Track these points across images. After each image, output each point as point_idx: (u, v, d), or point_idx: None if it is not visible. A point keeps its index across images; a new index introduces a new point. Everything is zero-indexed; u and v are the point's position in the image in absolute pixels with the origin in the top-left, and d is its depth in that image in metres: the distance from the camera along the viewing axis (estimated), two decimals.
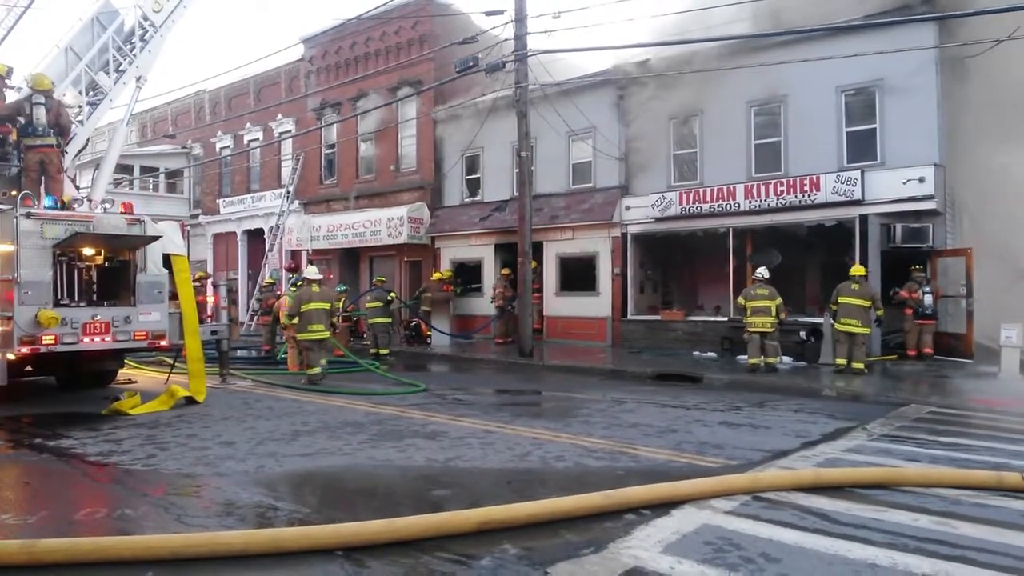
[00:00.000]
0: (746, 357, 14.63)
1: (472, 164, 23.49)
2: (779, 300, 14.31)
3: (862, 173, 15.83)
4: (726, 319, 17.96)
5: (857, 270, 14.06)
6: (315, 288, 13.62)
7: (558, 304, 21.06)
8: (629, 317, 19.66)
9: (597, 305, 20.17)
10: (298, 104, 27.78)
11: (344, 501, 6.02)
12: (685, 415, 9.79)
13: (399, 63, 24.32)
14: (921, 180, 15.18)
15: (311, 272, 14.33)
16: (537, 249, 19.84)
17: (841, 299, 13.86)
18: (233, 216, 31.59)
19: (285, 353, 15.99)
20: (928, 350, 15.42)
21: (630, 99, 19.57)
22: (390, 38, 24.94)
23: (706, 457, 7.15)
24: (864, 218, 15.82)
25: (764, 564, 4.21)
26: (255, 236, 30.74)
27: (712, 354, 17.12)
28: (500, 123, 20.94)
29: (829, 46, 15.73)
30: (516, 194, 18.59)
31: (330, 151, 27.73)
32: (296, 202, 28.13)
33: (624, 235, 19.72)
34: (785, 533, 4.76)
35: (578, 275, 20.74)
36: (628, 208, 19.59)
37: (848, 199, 15.90)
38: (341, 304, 19.03)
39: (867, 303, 13.71)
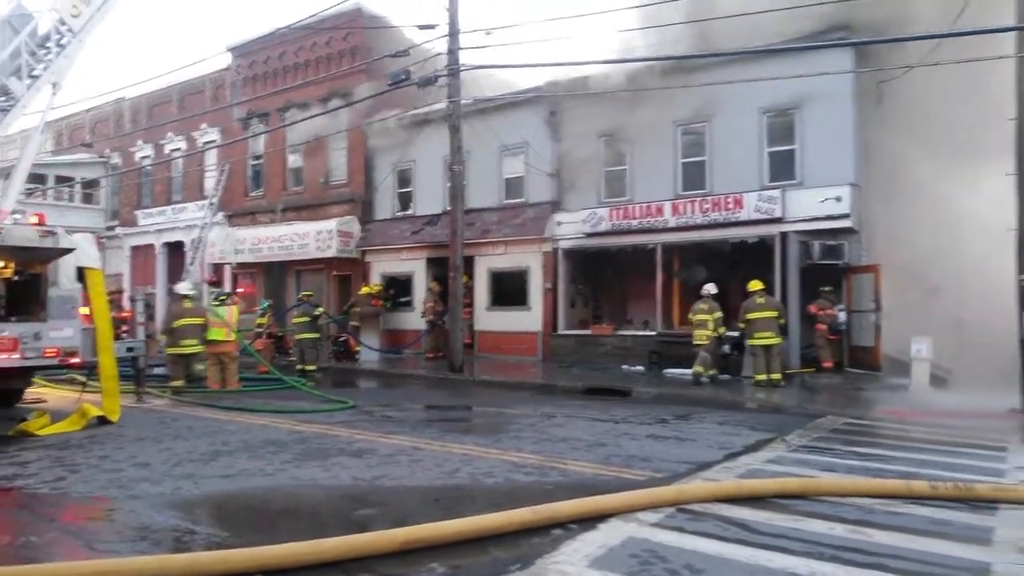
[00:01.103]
0: (674, 370, 14.99)
1: (404, 177, 23.36)
2: (717, 315, 14.77)
3: (782, 192, 16.44)
4: (654, 333, 18.31)
5: (755, 285, 14.59)
6: (187, 303, 13.90)
7: (489, 319, 21.07)
8: (560, 332, 19.81)
9: (528, 320, 20.27)
10: (223, 114, 27.11)
11: (265, 523, 5.83)
12: (614, 429, 9.88)
13: (329, 74, 24.03)
14: (838, 199, 15.85)
15: (183, 287, 14.70)
16: (469, 263, 19.83)
17: (750, 315, 14.34)
18: (152, 228, 30.54)
19: (205, 370, 15.45)
20: (828, 364, 16.04)
21: (562, 116, 19.85)
22: (320, 49, 24.65)
23: (633, 470, 7.22)
24: (784, 235, 16.41)
25: (688, 575, 4.27)
26: (175, 249, 29.76)
27: (640, 368, 17.39)
28: (432, 137, 20.93)
29: (752, 69, 16.29)
30: (448, 208, 18.56)
31: (257, 162, 27.13)
32: (220, 214, 27.36)
33: (556, 250, 19.91)
34: (708, 544, 4.84)
35: (510, 290, 20.81)
36: (560, 223, 19.79)
37: (769, 217, 16.47)
38: (266, 320, 18.60)
39: (775, 314, 14.24)
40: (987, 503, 5.91)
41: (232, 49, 26.97)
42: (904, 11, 14.08)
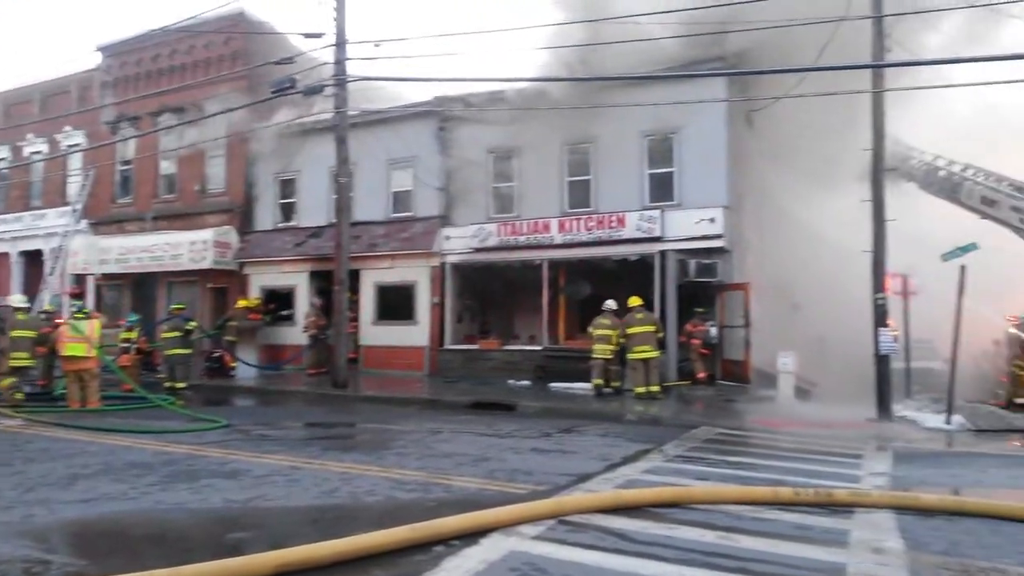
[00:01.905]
0: (559, 384, 15.27)
1: (287, 188, 22.68)
2: (619, 330, 15.19)
3: (662, 212, 17.11)
4: (540, 348, 18.55)
5: (635, 301, 15.16)
6: (20, 316, 13.76)
7: (375, 333, 20.71)
8: (447, 346, 19.73)
9: (415, 334, 20.07)
10: (90, 116, 25.44)
11: (128, 550, 5.42)
12: (499, 443, 9.90)
13: (208, 79, 23.02)
14: (712, 220, 16.66)
15: (16, 300, 14.65)
16: (354, 277, 19.44)
17: (629, 331, 14.86)
18: (7, 236, 28.22)
19: (64, 388, 14.34)
20: (702, 376, 16.85)
21: (451, 131, 19.89)
22: (199, 52, 23.65)
23: (517, 484, 7.24)
24: (663, 254, 17.07)
25: None
26: (34, 259, 27.58)
27: (527, 382, 17.57)
28: (318, 147, 20.44)
29: (635, 94, 16.87)
30: (334, 220, 18.16)
31: (126, 167, 25.61)
32: (84, 222, 25.59)
33: (443, 265, 19.86)
34: (586, 554, 4.90)
35: (396, 304, 20.55)
36: (448, 238, 19.77)
37: (649, 236, 17.10)
38: (134, 335, 17.51)
39: (653, 328, 14.82)
40: (845, 507, 6.30)
41: (102, 49, 25.42)
42: (776, 44, 15.01)
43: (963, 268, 13.00)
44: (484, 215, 19.59)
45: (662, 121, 17.23)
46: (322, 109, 18.29)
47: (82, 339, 13.47)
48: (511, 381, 17.83)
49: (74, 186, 26.43)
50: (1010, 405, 15.89)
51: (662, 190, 17.64)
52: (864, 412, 13.34)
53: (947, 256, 13.99)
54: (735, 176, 17.53)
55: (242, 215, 22.96)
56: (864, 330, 13.92)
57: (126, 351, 17.12)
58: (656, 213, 17.15)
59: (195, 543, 5.51)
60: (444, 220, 20.04)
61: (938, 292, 15.21)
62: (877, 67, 13.19)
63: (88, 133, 26.03)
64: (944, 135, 22.25)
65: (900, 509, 6.25)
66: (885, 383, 13.26)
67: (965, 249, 13.72)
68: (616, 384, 15.45)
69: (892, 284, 14.89)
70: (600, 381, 15.29)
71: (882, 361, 13.30)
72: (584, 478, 7.52)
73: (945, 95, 18.21)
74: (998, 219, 17.97)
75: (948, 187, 20.48)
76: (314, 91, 16.44)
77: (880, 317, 13.38)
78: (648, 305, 15.91)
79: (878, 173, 13.71)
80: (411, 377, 19.19)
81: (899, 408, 13.97)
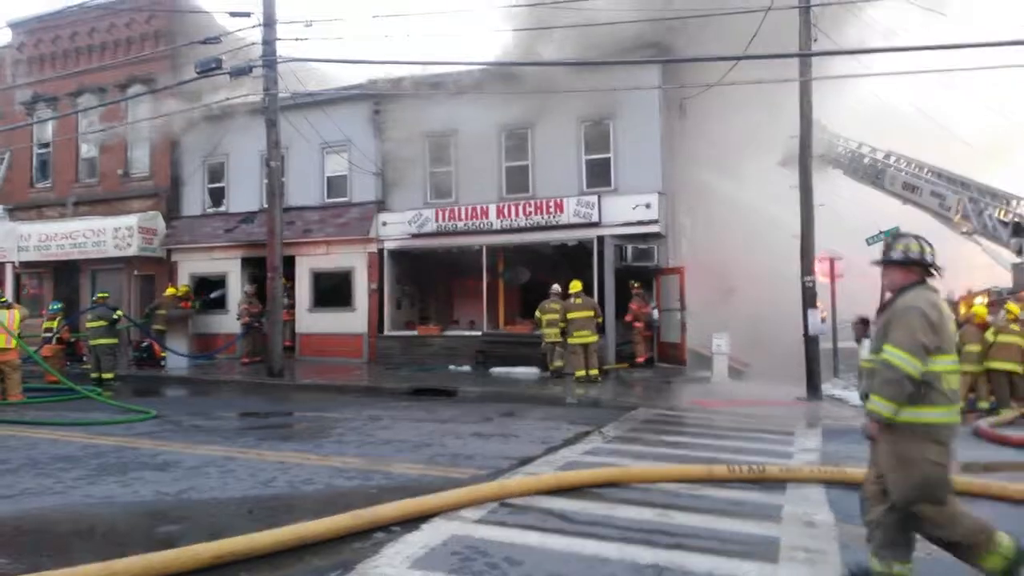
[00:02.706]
0: (499, 369, 15.30)
1: (216, 172, 21.97)
2: (561, 314, 15.29)
3: (599, 198, 17.24)
4: (480, 333, 18.53)
5: (575, 286, 15.31)
6: None
7: (312, 321, 20.34)
8: (386, 333, 19.51)
9: (353, 321, 19.79)
10: (3, 96, 24.10)
11: (54, 546, 5.19)
12: (439, 429, 9.86)
13: (129, 59, 22.01)
14: (647, 206, 16.88)
15: None
16: (289, 264, 19.01)
17: (570, 315, 15.00)
18: None
19: None
20: (642, 359, 17.19)
21: (386, 115, 19.57)
22: (119, 31, 22.61)
23: (459, 468, 7.23)
24: (601, 239, 17.22)
25: (508, 568, 4.31)
26: None
27: (467, 367, 17.54)
28: (247, 130, 19.84)
29: (571, 80, 16.91)
30: (266, 206, 17.69)
31: (44, 151, 24.38)
32: (0, 207, 24.29)
33: (381, 251, 19.60)
34: (528, 536, 4.93)
35: (333, 291, 20.21)
36: (385, 224, 19.50)
37: (587, 221, 17.22)
38: (56, 324, 16.78)
39: (591, 313, 14.99)
40: (777, 483, 6.51)
41: (13, 25, 24.06)
42: (707, 34, 15.26)
43: None
44: (421, 200, 19.39)
45: (598, 108, 17.34)
46: (251, 91, 17.76)
47: (1, 330, 12.81)
48: (452, 367, 17.77)
49: None
50: None
51: (599, 176, 17.77)
52: (795, 391, 13.79)
53: (871, 240, 14.53)
54: (670, 163, 17.79)
55: (168, 200, 22.15)
56: (794, 312, 14.37)
57: (48, 341, 16.40)
58: (593, 199, 17.28)
59: (126, 537, 5.32)
60: (381, 205, 19.76)
61: (864, 274, 15.79)
62: (803, 56, 13.54)
63: (1, 114, 24.65)
64: (868, 124, 23.09)
65: (830, 483, 6.49)
66: (814, 363, 13.73)
67: (888, 233, 14.26)
68: (558, 365, 15.61)
69: (820, 267, 15.39)
70: (560, 363, 15.44)
71: (811, 342, 13.76)
72: (525, 461, 7.56)
73: (869, 85, 18.88)
74: (919, 204, 18.77)
75: (872, 173, 21.29)
76: (242, 72, 15.89)
77: (809, 299, 13.83)
78: (587, 290, 16.06)
79: (806, 160, 14.12)
80: (350, 364, 18.93)
81: (828, 387, 14.51)
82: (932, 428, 3.85)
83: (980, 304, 15.07)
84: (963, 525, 3.89)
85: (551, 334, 15.47)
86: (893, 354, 3.85)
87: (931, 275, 4.11)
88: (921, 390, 3.83)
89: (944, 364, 3.88)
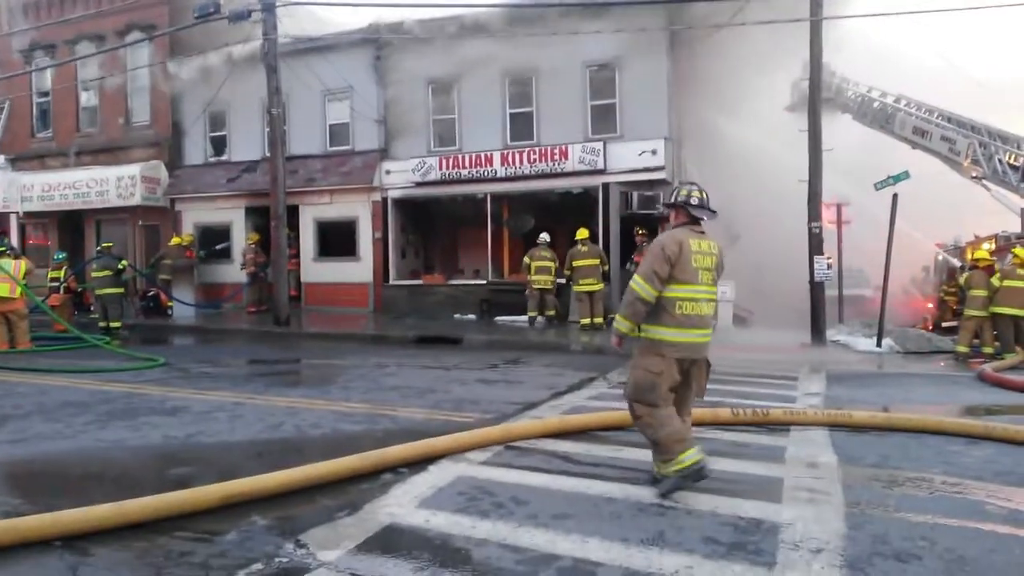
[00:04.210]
0: (505, 317, 15.36)
1: (217, 120, 21.71)
2: (568, 261, 15.34)
3: (604, 144, 17.02)
4: (485, 282, 18.53)
5: (581, 234, 15.25)
6: None
7: (317, 270, 20.35)
8: (391, 282, 19.54)
9: (358, 271, 19.79)
10: (1, 44, 23.73)
11: (67, 489, 5.28)
12: (445, 375, 9.93)
13: (127, 4, 21.56)
14: (653, 152, 16.67)
15: None
16: (293, 213, 18.95)
17: (575, 263, 14.99)
18: None
19: None
20: None
21: (388, 61, 19.25)
22: None
23: (464, 413, 7.29)
24: (606, 186, 17.06)
25: (513, 508, 4.36)
26: None
27: (472, 316, 17.61)
28: (248, 77, 19.49)
29: (576, 23, 16.53)
30: (268, 154, 17.52)
31: (43, 100, 24.10)
32: (2, 157, 24.14)
33: (385, 200, 19.48)
34: (533, 477, 4.98)
35: (338, 240, 20.17)
36: (388, 172, 19.34)
37: (592, 168, 17.04)
38: (62, 273, 16.83)
39: (597, 261, 14.98)
40: (781, 426, 6.55)
41: None
42: None
43: (895, 197, 13.37)
44: (425, 148, 19.18)
45: (604, 52, 16.99)
46: (250, 36, 17.43)
47: (6, 279, 12.86)
48: (457, 315, 17.83)
49: None
50: (936, 328, 16.66)
51: (604, 122, 17.51)
52: (799, 338, 13.82)
53: (880, 185, 14.35)
54: (676, 108, 17.50)
55: (170, 149, 21.96)
56: (800, 259, 14.30)
57: (56, 291, 16.47)
58: (599, 145, 17.06)
59: (137, 479, 5.39)
60: (384, 154, 19.56)
61: (871, 221, 15.68)
62: None
63: (0, 63, 24.32)
64: (878, 67, 22.62)
65: (833, 426, 6.53)
66: (819, 309, 13.72)
67: (897, 178, 14.10)
68: (551, 313, 15.65)
69: (827, 213, 15.27)
70: (535, 312, 15.50)
71: (816, 288, 13.72)
72: (530, 406, 7.61)
73: (880, 25, 18.43)
74: (929, 149, 18.48)
75: (882, 118, 20.92)
76: (240, 16, 15.58)
77: (816, 245, 13.74)
78: (593, 238, 15.97)
79: (815, 103, 13.88)
80: (355, 314, 19.01)
81: (832, 333, 14.53)
82: (657, 343, 4.59)
83: (984, 249, 14.97)
84: (666, 431, 4.54)
85: (542, 281, 15.46)
86: (634, 280, 4.60)
87: (694, 218, 4.72)
88: (656, 312, 4.56)
89: (679, 292, 4.53)
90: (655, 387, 4.58)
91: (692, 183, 4.91)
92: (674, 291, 4.54)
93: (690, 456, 4.50)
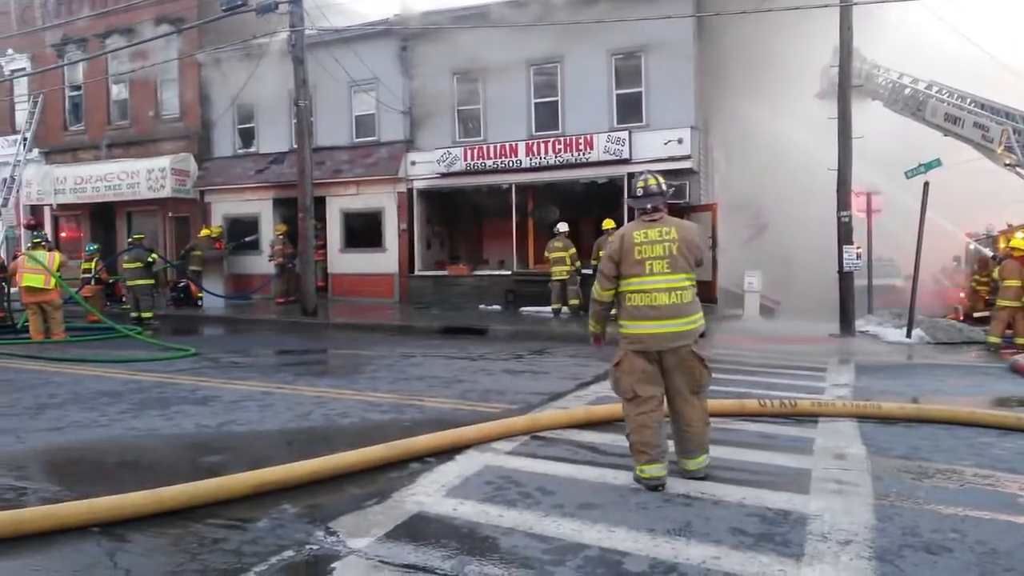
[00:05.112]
0: (529, 308, 15.39)
1: (245, 113, 21.92)
2: (572, 251, 15.47)
3: (630, 134, 16.92)
4: (510, 273, 18.56)
5: (609, 223, 15.20)
6: None
7: (344, 261, 20.52)
8: (416, 273, 19.65)
9: (384, 261, 19.92)
10: (35, 38, 24.15)
11: (103, 476, 5.41)
12: (471, 366, 9.98)
13: None
14: (680, 141, 16.54)
15: None
16: (320, 204, 19.11)
17: (601, 252, 14.89)
18: None
19: (27, 321, 14.06)
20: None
21: (414, 52, 19.28)
22: None
23: (490, 403, 7.33)
24: (632, 176, 16.91)
25: (540, 497, 4.39)
26: None
27: (497, 307, 17.66)
28: (275, 69, 19.64)
29: (600, 10, 16.42)
30: (295, 146, 17.68)
31: (76, 93, 24.50)
32: (36, 150, 24.59)
33: (410, 190, 19.56)
34: (559, 467, 5.01)
35: (364, 231, 20.31)
36: (413, 163, 19.42)
37: (617, 158, 16.96)
38: (94, 265, 17.13)
39: None
40: (809, 417, 6.50)
41: None
42: None
43: (926, 185, 13.15)
44: (450, 139, 19.22)
45: (630, 40, 16.86)
46: (277, 28, 17.55)
47: (40, 270, 13.14)
48: (482, 306, 17.88)
49: (22, 113, 25.24)
50: (967, 318, 16.38)
51: (630, 111, 17.41)
52: (828, 328, 13.67)
53: (911, 173, 14.12)
54: (703, 96, 17.33)
55: (200, 141, 22.25)
56: (828, 249, 14.12)
57: (88, 282, 16.77)
58: (624, 135, 16.96)
59: (170, 467, 5.51)
60: (409, 145, 19.63)
61: (901, 209, 15.43)
62: None
63: (32, 56, 24.76)
64: (909, 54, 22.18)
65: (862, 417, 6.47)
66: (848, 299, 13.57)
67: (928, 166, 13.86)
68: (574, 302, 15.65)
69: (857, 202, 15.05)
70: (558, 304, 15.54)
71: (846, 278, 13.56)
72: (556, 396, 7.64)
73: (909, 10, 18.07)
74: (961, 136, 18.08)
75: (913, 105, 20.49)
76: (267, 9, 15.72)
77: (845, 235, 13.57)
78: (619, 228, 15.92)
79: (845, 89, 13.68)
80: (381, 304, 19.15)
81: (861, 324, 14.36)
82: (623, 336, 4.75)
83: (1019, 238, 14.66)
84: (634, 436, 4.55)
85: (558, 272, 15.48)
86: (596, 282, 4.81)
87: (646, 210, 4.70)
88: (618, 307, 4.78)
89: (627, 286, 4.66)
90: (618, 380, 4.77)
91: (644, 173, 4.95)
92: (624, 285, 4.69)
93: (649, 471, 4.50)
